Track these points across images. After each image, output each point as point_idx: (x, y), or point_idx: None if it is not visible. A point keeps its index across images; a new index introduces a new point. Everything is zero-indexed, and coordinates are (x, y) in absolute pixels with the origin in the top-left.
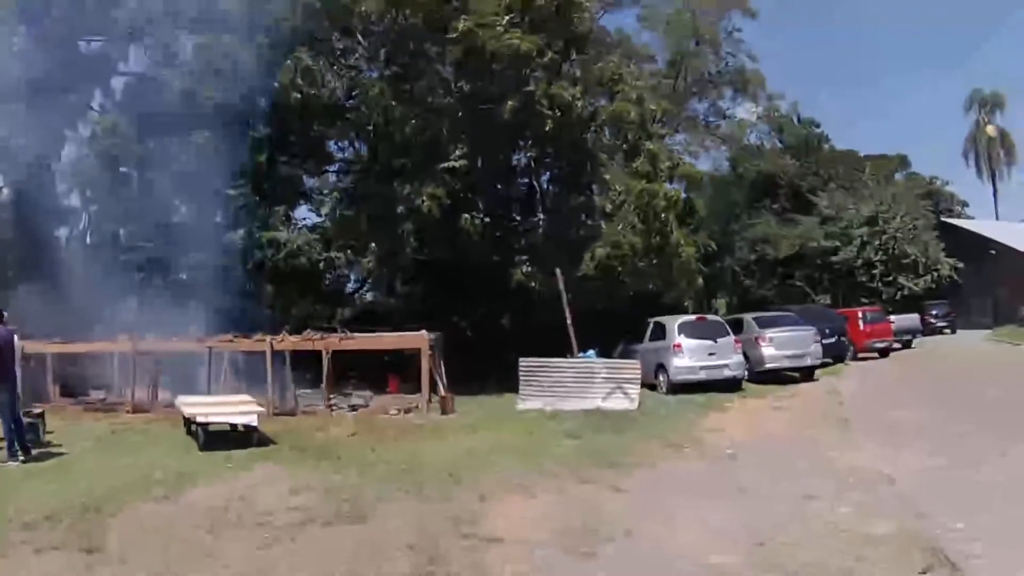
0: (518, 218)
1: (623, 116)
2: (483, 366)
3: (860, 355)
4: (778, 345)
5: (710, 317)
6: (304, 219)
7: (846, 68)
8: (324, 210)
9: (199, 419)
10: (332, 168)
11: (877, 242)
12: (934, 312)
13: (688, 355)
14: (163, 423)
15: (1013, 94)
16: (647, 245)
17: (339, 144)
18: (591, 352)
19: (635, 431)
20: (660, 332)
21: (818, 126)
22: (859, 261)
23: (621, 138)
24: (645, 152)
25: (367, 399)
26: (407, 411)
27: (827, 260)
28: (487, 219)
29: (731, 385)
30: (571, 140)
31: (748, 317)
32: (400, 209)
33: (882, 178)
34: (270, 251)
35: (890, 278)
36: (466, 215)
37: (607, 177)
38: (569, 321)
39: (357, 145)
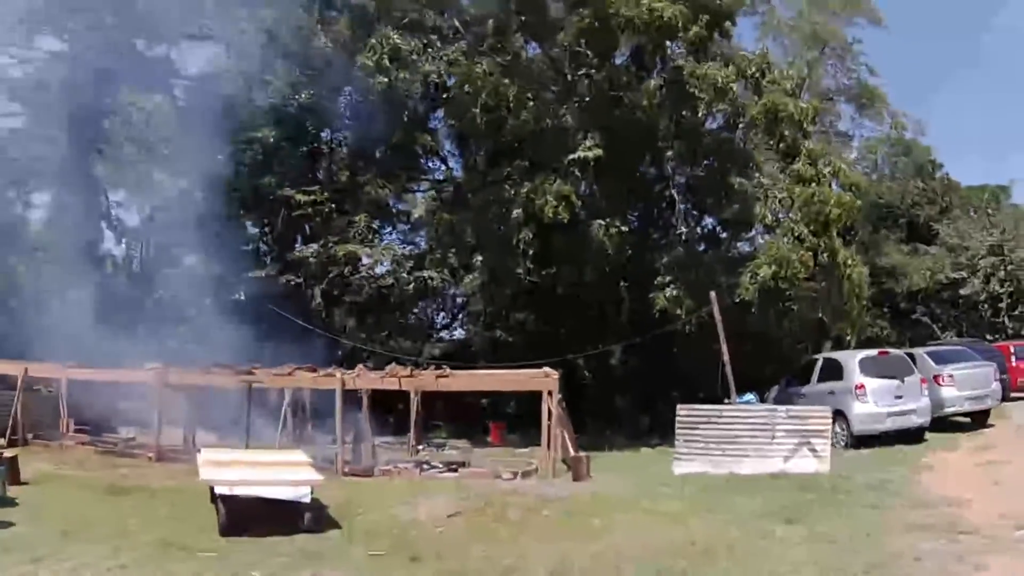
0: (659, 229)
1: (779, 109)
2: (606, 413)
3: (1013, 394)
4: (960, 385)
5: (893, 352)
6: (389, 233)
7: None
8: (417, 213)
9: (221, 489)
10: (422, 184)
11: (1002, 273)
12: None
13: (873, 399)
14: (191, 479)
15: None
16: (816, 263)
17: (428, 157)
18: (749, 396)
19: (857, 506)
20: (833, 371)
21: (928, 152)
22: (983, 294)
23: (776, 136)
24: (805, 152)
25: (466, 454)
26: (525, 474)
27: (954, 294)
28: (624, 228)
29: (913, 435)
30: (719, 137)
31: (920, 352)
32: (516, 214)
33: (1003, 204)
34: (347, 269)
35: (1016, 312)
36: (600, 221)
37: (765, 181)
38: (726, 358)
39: (454, 146)
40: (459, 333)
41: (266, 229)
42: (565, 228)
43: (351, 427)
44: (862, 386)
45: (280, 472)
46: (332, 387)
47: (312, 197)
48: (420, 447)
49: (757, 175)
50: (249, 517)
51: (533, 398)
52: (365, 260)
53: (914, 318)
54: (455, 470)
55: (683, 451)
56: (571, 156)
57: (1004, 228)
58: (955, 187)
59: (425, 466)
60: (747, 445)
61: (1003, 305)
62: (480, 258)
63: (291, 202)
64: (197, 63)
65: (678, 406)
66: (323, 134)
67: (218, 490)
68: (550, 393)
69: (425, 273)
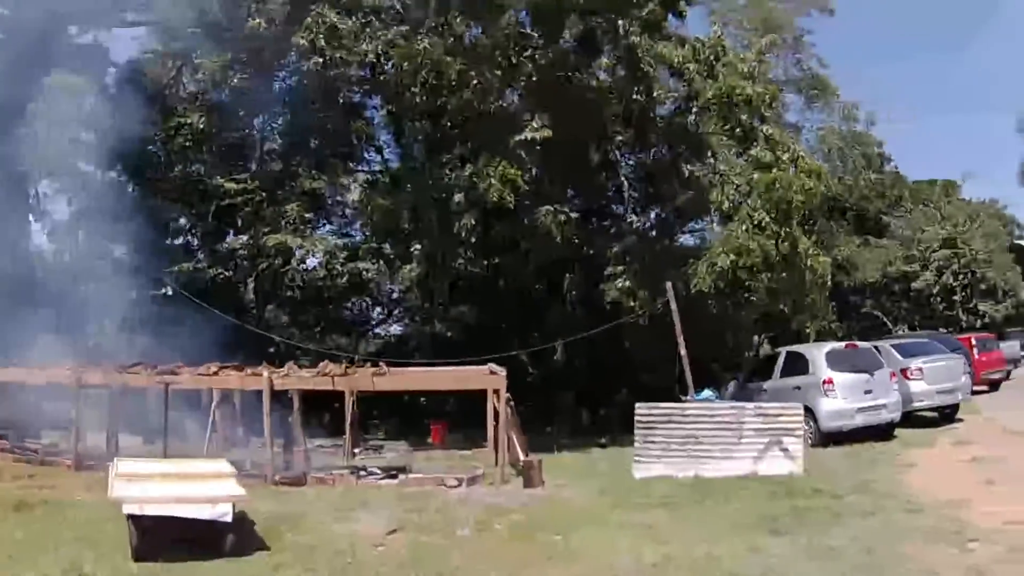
0: (609, 217)
1: (735, 93)
2: (550, 410)
3: (975, 387)
4: (929, 378)
5: (861, 344)
6: (323, 225)
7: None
8: (351, 197)
9: (130, 508)
10: (358, 177)
11: (955, 266)
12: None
13: (842, 394)
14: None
15: None
16: (776, 253)
17: (365, 146)
18: (708, 392)
19: (848, 512)
20: (798, 365)
21: (880, 145)
22: (936, 287)
23: (732, 121)
24: (764, 137)
25: (407, 458)
26: (472, 481)
27: (906, 287)
28: (573, 215)
29: (883, 432)
30: (672, 121)
31: (885, 345)
32: (457, 199)
33: (954, 199)
34: (277, 261)
35: (970, 304)
36: (548, 207)
37: (722, 167)
38: (683, 351)
39: (391, 135)
40: (396, 329)
41: (196, 220)
42: (509, 215)
43: (282, 431)
44: (830, 380)
45: (199, 487)
46: (258, 387)
47: (242, 186)
48: (357, 450)
49: (712, 161)
50: (165, 539)
51: (476, 395)
52: (297, 252)
53: (863, 311)
54: (395, 476)
55: (643, 453)
56: (517, 138)
57: (957, 222)
58: (903, 181)
59: (363, 472)
60: (713, 445)
61: (957, 298)
62: (418, 247)
63: (221, 191)
64: (128, 49)
65: (637, 405)
66: (256, 120)
67: (126, 509)
68: (497, 392)
69: (359, 265)
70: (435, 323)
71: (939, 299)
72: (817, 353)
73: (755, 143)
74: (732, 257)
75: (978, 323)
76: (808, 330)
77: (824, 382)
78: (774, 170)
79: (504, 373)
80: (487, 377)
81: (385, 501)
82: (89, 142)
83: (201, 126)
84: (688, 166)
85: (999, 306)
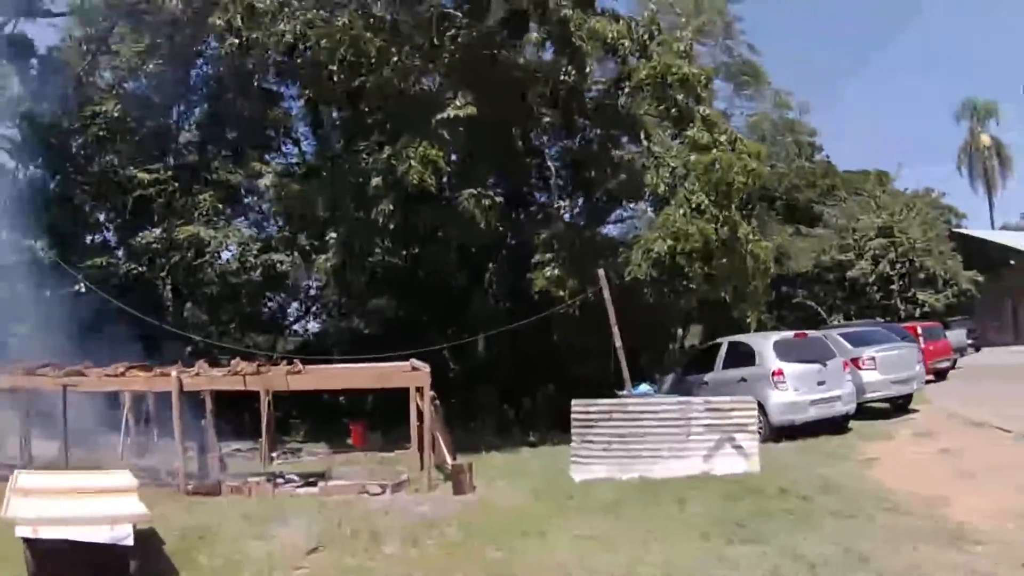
0: (534, 202)
1: (670, 72)
2: (477, 408)
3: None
4: (883, 368)
5: (811, 333)
6: (240, 219)
7: (821, 70)
8: (263, 183)
9: (23, 531)
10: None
11: (892, 255)
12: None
13: (793, 386)
14: None
15: (1006, 103)
16: (716, 238)
17: (281, 137)
18: (645, 386)
19: (818, 514)
20: (743, 356)
21: (812, 134)
22: (872, 276)
23: (667, 102)
24: (700, 118)
25: (326, 461)
26: (396, 487)
27: (840, 276)
28: (498, 199)
29: (837, 425)
30: (602, 102)
31: (833, 334)
32: (375, 183)
33: (888, 189)
34: (190, 254)
35: (909, 294)
36: (471, 191)
37: (656, 149)
38: (618, 343)
39: (308, 123)
40: (314, 326)
41: (111, 214)
42: (430, 200)
43: (197, 435)
44: (780, 372)
45: (98, 504)
46: (167, 388)
47: (155, 176)
48: (275, 454)
49: (646, 143)
50: (66, 562)
51: (396, 392)
52: (210, 244)
53: (795, 302)
54: (314, 483)
55: (582, 453)
56: (439, 116)
57: (893, 211)
58: (835, 170)
59: (280, 480)
60: (659, 444)
61: (895, 287)
62: (334, 235)
63: (135, 183)
64: (50, 38)
65: (573, 401)
66: (172, 110)
67: (19, 532)
68: (420, 390)
69: (273, 257)
70: (353, 318)
71: (875, 288)
72: (764, 343)
73: (691, 124)
74: (669, 242)
75: (917, 312)
76: (748, 320)
77: (773, 373)
78: (713, 151)
79: (427, 369)
80: (409, 374)
81: (305, 512)
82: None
83: (116, 114)
84: (618, 151)
85: (939, 295)
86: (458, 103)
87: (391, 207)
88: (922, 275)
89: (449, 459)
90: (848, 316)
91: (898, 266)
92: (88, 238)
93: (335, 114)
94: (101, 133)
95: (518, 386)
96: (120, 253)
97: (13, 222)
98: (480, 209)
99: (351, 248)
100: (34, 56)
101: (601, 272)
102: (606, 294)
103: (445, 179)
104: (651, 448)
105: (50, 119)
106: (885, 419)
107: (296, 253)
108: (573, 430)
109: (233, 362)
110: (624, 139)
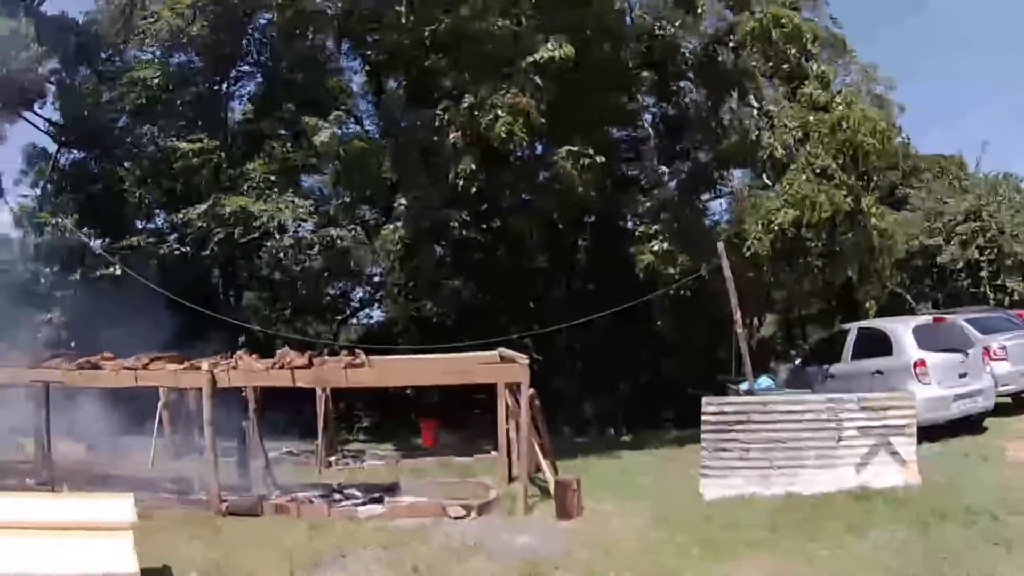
0: (632, 166)
1: (780, 24)
2: (558, 405)
3: None
4: (1014, 359)
5: (949, 318)
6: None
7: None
8: (319, 139)
9: None
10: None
11: (981, 240)
12: None
13: (936, 379)
14: None
15: None
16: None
17: (338, 102)
18: (766, 380)
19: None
20: (876, 344)
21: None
22: (960, 263)
23: (776, 58)
24: (815, 75)
25: (392, 468)
26: (484, 508)
27: (927, 262)
28: (600, 159)
29: (972, 424)
30: (705, 58)
31: (958, 320)
32: (452, 138)
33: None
34: (238, 231)
35: (997, 281)
36: (569, 148)
37: (771, 108)
38: (740, 329)
39: (370, 85)
40: (378, 314)
41: (152, 190)
42: (514, 164)
43: (236, 441)
44: (923, 363)
45: (76, 551)
46: (196, 385)
47: (200, 145)
48: (332, 458)
49: (756, 103)
50: None
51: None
52: (262, 219)
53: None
54: (380, 499)
55: (714, 464)
56: (529, 59)
57: (981, 193)
58: (915, 151)
59: (338, 496)
60: (804, 451)
61: (984, 274)
62: (403, 202)
63: (177, 154)
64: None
65: (704, 400)
66: (219, 77)
67: None
68: (515, 388)
69: (332, 232)
70: (422, 302)
71: (963, 275)
72: (902, 329)
73: (805, 81)
74: (794, 212)
75: (1006, 300)
76: (868, 305)
77: (915, 364)
78: (839, 107)
79: (525, 362)
80: (499, 368)
81: (367, 544)
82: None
83: (157, 81)
84: (725, 111)
85: None
86: (550, 45)
87: (472, 166)
88: (1009, 261)
89: (548, 471)
90: (936, 304)
91: (987, 252)
92: (128, 216)
93: (398, 80)
94: (140, 101)
95: (596, 380)
96: (164, 229)
97: (49, 201)
98: (578, 171)
99: (422, 218)
100: (73, 33)
101: (721, 245)
102: (726, 271)
103: (534, 136)
104: (794, 457)
105: (87, 88)
106: (1004, 416)
107: (358, 227)
108: (704, 435)
109: (279, 353)
110: (731, 99)
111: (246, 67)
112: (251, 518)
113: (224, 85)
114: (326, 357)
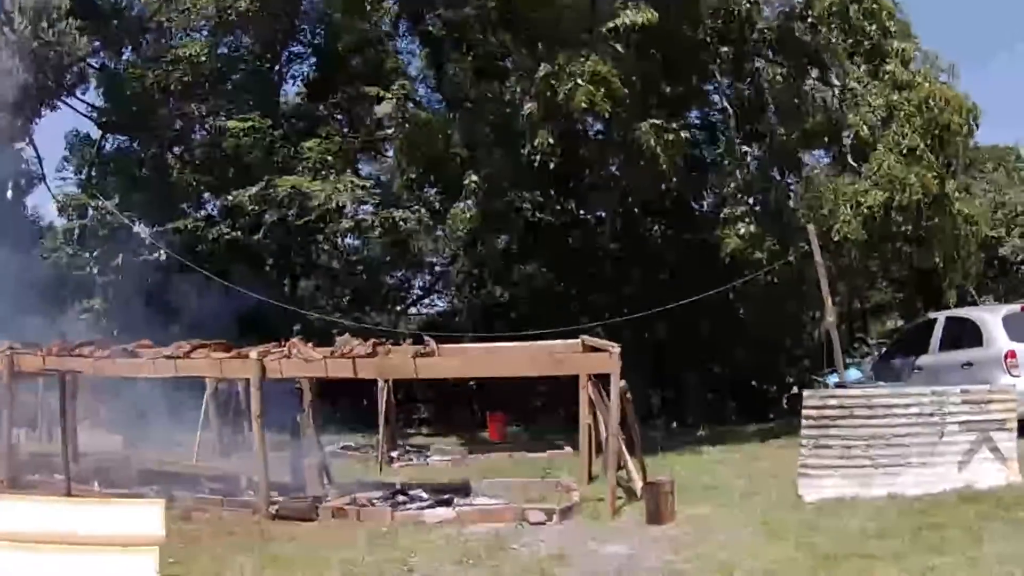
0: (713, 144)
1: (856, 0)
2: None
3: None
4: None
5: None
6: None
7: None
8: (382, 112)
9: None
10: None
11: None
12: None
13: None
14: None
15: None
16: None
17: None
18: (854, 370)
19: None
20: (965, 334)
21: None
22: (1021, 255)
23: (855, 34)
24: (895, 53)
25: (460, 466)
26: (566, 512)
27: (991, 253)
28: (684, 134)
29: None
30: (782, 31)
31: None
32: (528, 109)
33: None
34: (292, 212)
35: None
36: (653, 121)
37: (855, 85)
38: (831, 318)
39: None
40: (440, 305)
41: (202, 172)
42: (594, 137)
43: (291, 432)
44: (1013, 354)
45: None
46: (244, 376)
47: (250, 124)
48: (395, 454)
49: (838, 80)
50: None
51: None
52: (319, 199)
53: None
54: (449, 502)
55: (814, 462)
56: (610, 23)
57: None
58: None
59: (402, 498)
60: (907, 448)
61: None
62: (475, 178)
63: (227, 133)
64: None
65: (805, 393)
66: (272, 57)
67: None
68: (593, 379)
69: (395, 214)
70: (490, 286)
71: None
72: (991, 318)
73: (887, 59)
74: (884, 194)
75: None
76: (948, 296)
77: (1006, 356)
78: (926, 84)
79: (617, 351)
80: (594, 357)
81: (439, 557)
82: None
83: (204, 59)
84: (810, 82)
85: None
86: (630, 12)
87: (549, 140)
88: None
89: (635, 471)
90: (997, 297)
91: None
92: (175, 200)
93: (463, 56)
94: (187, 79)
95: (663, 372)
96: (214, 214)
97: (92, 186)
98: (661, 145)
99: (494, 196)
100: (114, 13)
101: (811, 227)
102: (817, 256)
103: (617, 108)
104: (897, 454)
105: (131, 71)
106: None
107: (422, 209)
108: (804, 431)
109: (340, 340)
110: (810, 77)
111: (299, 47)
112: (304, 523)
113: (276, 66)
114: (390, 346)
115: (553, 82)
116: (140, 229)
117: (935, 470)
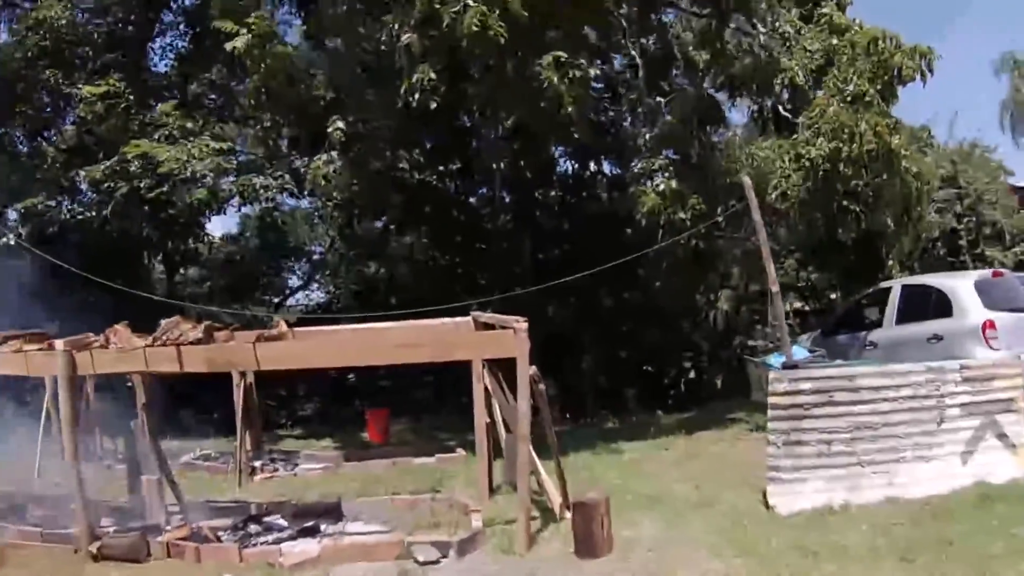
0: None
1: None
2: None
3: None
4: None
5: (1007, 272)
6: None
7: None
8: (236, 45)
9: None
10: None
11: (959, 207)
12: None
13: (1007, 344)
14: None
15: None
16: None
17: None
18: (800, 350)
19: None
20: (930, 304)
21: None
22: (936, 231)
23: None
24: None
25: (333, 473)
26: (463, 547)
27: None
28: (591, 72)
29: None
30: None
31: (1012, 277)
32: (406, 39)
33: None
34: (144, 182)
35: (977, 250)
36: (556, 54)
37: (787, 29)
38: (775, 288)
39: None
40: (318, 295)
41: (54, 142)
42: (486, 73)
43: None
44: (992, 324)
45: None
46: (50, 372)
47: (105, 89)
48: (257, 464)
49: (764, 28)
50: None
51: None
52: (170, 166)
53: (853, 258)
54: (315, 532)
55: (786, 464)
56: None
57: (954, 159)
58: None
59: (255, 527)
60: (901, 438)
61: (963, 242)
62: (339, 125)
63: (80, 100)
64: None
65: (772, 376)
66: (131, 15)
67: None
68: (487, 363)
69: (257, 180)
70: (366, 263)
71: (939, 243)
72: (963, 284)
73: (821, 2)
74: (830, 144)
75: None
76: (891, 264)
77: (984, 326)
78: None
79: (524, 328)
80: (490, 337)
81: None
82: None
83: (64, 21)
84: (735, 26)
85: (1007, 251)
86: None
87: (430, 75)
88: (987, 229)
89: (550, 484)
90: (912, 273)
91: (965, 220)
92: (22, 178)
93: None
94: (44, 44)
95: (560, 356)
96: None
97: None
98: (567, 83)
99: (367, 151)
100: None
101: (747, 179)
102: (755, 215)
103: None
104: (889, 447)
105: None
106: None
107: (286, 175)
108: (771, 424)
109: (165, 323)
110: (734, 22)
111: (169, 16)
112: (133, 564)
113: (144, 36)
114: (231, 331)
115: (437, 5)
116: None
117: (934, 465)
